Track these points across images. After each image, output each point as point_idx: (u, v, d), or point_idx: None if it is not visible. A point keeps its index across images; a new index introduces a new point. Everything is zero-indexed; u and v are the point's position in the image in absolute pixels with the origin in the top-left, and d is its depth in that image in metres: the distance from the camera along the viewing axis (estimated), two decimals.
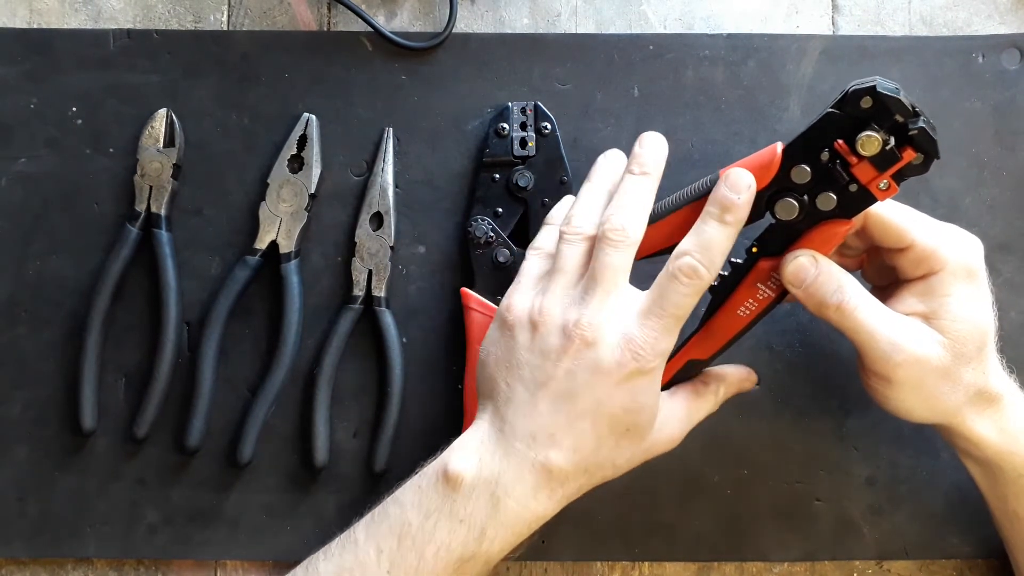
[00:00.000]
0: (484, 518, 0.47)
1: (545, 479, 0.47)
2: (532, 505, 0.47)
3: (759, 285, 0.50)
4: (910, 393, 0.50)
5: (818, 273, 0.49)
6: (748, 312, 0.51)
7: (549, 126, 0.60)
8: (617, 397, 0.47)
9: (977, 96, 0.61)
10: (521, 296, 0.50)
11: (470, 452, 0.48)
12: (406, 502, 0.48)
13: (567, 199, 0.55)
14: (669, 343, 0.47)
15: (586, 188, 0.53)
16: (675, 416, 0.51)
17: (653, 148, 0.51)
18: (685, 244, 0.48)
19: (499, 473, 0.47)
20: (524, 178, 0.59)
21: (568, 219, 0.51)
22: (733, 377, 0.54)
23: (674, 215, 0.50)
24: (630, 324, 0.47)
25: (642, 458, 0.50)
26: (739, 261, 0.51)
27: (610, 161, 0.54)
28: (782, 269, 0.49)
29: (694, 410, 0.52)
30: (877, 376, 0.50)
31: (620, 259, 0.48)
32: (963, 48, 0.61)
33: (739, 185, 0.48)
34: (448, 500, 0.47)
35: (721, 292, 0.51)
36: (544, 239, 0.53)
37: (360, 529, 0.49)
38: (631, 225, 0.49)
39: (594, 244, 0.49)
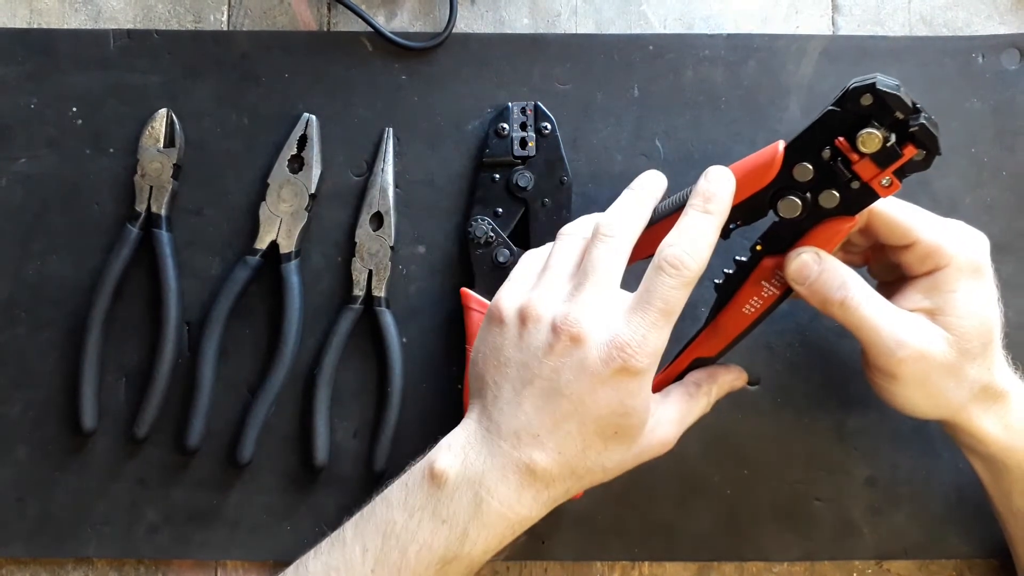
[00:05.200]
0: (467, 518, 0.47)
1: (529, 480, 0.47)
2: (516, 507, 0.47)
3: (763, 283, 0.50)
4: (915, 389, 0.49)
5: (821, 270, 0.49)
6: (753, 309, 0.51)
7: (549, 126, 0.60)
8: (604, 398, 0.46)
9: (977, 96, 0.61)
10: (511, 292, 0.50)
11: (456, 450, 0.48)
12: (393, 500, 0.48)
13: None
14: (658, 341, 0.46)
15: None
16: (668, 419, 0.50)
17: (652, 177, 0.53)
18: (670, 237, 0.48)
19: (483, 473, 0.47)
20: (524, 178, 0.59)
21: (567, 225, 0.52)
22: (724, 378, 0.54)
23: (673, 217, 0.49)
24: (618, 321, 0.46)
25: (634, 462, 0.49)
26: (743, 259, 0.51)
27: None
28: (786, 267, 0.49)
29: (687, 412, 0.51)
30: (881, 372, 0.50)
31: (610, 254, 0.48)
32: (963, 48, 0.61)
33: (720, 177, 0.49)
34: (432, 499, 0.47)
35: (726, 290, 0.51)
36: (546, 246, 0.53)
37: (349, 527, 0.49)
38: (622, 225, 0.49)
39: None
